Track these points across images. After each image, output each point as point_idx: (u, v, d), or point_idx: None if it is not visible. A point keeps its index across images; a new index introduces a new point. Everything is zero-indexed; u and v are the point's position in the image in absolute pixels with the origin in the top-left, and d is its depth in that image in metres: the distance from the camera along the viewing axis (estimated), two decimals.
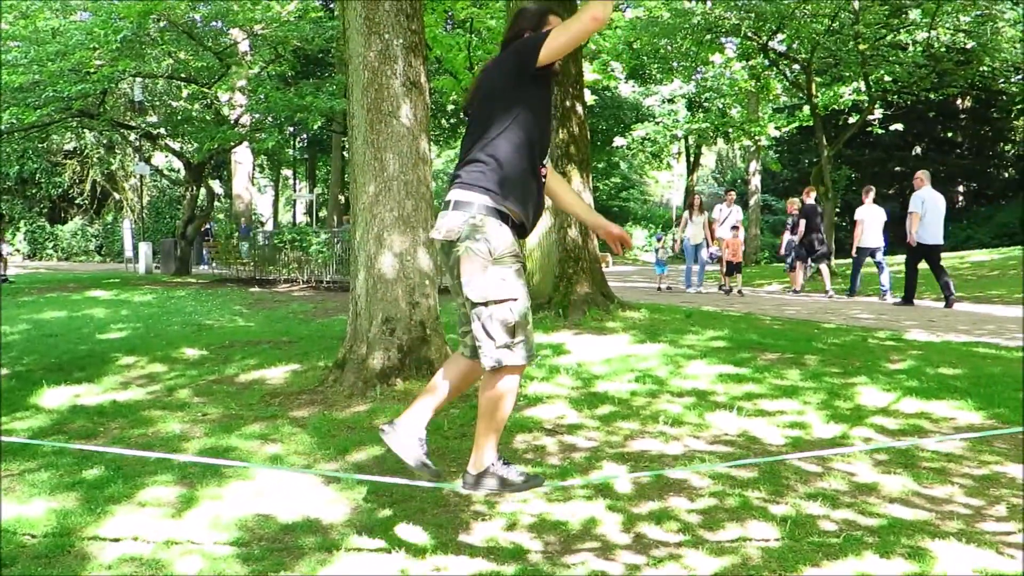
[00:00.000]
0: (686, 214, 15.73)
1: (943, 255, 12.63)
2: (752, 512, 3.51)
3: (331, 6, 29.05)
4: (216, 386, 6.20)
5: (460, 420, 4.96)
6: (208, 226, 28.70)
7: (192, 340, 8.48)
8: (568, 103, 8.92)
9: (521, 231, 3.03)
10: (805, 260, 15.16)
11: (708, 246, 15.51)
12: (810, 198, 15.05)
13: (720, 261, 15.33)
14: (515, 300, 2.92)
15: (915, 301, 12.39)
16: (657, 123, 27.60)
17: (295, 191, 51.41)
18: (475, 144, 3.02)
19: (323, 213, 35.22)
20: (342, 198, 36.12)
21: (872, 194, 14.08)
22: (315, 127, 22.48)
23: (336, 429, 4.87)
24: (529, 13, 3.15)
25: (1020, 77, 22.64)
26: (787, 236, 16.88)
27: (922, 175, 12.52)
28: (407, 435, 3.09)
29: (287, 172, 53.17)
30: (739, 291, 15.08)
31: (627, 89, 35.12)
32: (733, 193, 15.89)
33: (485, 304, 2.91)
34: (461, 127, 45.25)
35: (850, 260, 15.05)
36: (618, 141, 30.91)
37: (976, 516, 3.45)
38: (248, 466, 4.16)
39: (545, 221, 8.89)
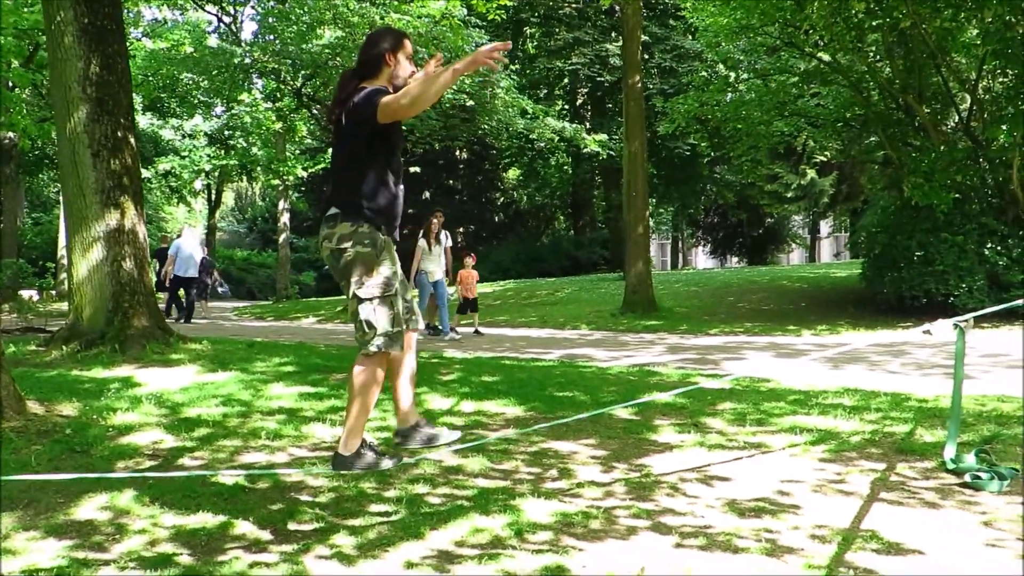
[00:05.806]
0: (422, 242, 12.97)
1: None
2: (370, 498, 4.04)
3: None
4: None
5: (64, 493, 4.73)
6: None
7: None
8: (120, 134, 8.63)
9: (391, 233, 3.66)
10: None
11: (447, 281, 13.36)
12: (166, 243, 19.08)
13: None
14: (395, 295, 3.58)
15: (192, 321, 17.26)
16: (183, 158, 26.80)
17: None
18: (345, 165, 3.54)
19: None
20: None
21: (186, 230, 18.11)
22: None
23: None
24: (380, 43, 3.60)
25: (507, 136, 26.46)
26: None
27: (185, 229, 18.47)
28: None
29: None
30: (477, 330, 13.87)
31: (144, 121, 33.47)
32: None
33: (371, 299, 3.53)
34: None
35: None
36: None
37: (537, 480, 4.39)
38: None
39: (97, 253, 8.48)
